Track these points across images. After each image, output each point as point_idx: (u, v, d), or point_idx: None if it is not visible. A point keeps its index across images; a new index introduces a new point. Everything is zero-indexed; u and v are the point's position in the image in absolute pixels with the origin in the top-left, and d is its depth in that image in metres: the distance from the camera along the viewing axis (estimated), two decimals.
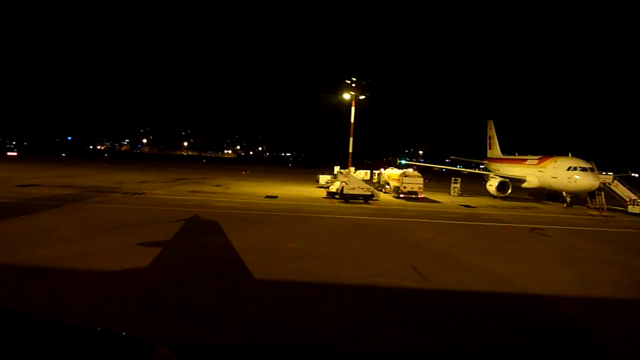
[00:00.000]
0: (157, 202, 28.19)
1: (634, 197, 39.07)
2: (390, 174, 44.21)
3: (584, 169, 38.35)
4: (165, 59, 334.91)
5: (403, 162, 57.91)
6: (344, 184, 35.16)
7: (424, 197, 39.52)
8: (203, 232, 19.19)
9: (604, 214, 36.98)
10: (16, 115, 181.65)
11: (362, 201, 34.64)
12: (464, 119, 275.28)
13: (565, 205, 40.83)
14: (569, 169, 39.06)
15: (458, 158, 66.33)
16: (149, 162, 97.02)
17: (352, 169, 43.58)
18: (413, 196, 38.74)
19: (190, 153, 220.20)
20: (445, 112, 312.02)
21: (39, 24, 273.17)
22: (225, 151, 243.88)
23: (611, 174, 41.79)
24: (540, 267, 16.11)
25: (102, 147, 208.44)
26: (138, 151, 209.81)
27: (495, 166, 55.22)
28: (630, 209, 37.59)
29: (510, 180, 46.67)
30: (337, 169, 45.56)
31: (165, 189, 37.15)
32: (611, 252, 20.23)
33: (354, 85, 42.12)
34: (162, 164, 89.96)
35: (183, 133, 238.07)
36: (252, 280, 12.31)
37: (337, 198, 35.28)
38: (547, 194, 46.69)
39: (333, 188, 36.96)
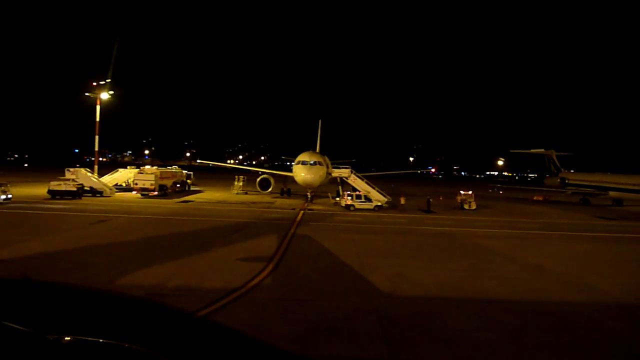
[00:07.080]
0: None
1: (372, 191, 40.02)
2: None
3: (305, 163, 39.24)
4: (165, 69, 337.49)
5: (198, 161, 60.11)
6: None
7: (157, 194, 40.65)
8: None
9: (309, 206, 38.42)
10: (27, 131, 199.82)
11: (70, 197, 36.76)
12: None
13: (306, 201, 41.85)
14: (297, 163, 40.07)
15: (288, 158, 67.30)
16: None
17: (97, 167, 45.84)
18: (144, 192, 40.20)
19: (191, 163, 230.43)
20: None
21: (42, 41, 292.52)
22: (229, 161, 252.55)
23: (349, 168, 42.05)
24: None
25: (104, 159, 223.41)
26: (140, 162, 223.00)
27: None
28: (342, 202, 38.64)
29: (282, 179, 48.77)
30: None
31: None
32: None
33: (95, 84, 45.47)
34: None
35: (186, 143, 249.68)
36: None
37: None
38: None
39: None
